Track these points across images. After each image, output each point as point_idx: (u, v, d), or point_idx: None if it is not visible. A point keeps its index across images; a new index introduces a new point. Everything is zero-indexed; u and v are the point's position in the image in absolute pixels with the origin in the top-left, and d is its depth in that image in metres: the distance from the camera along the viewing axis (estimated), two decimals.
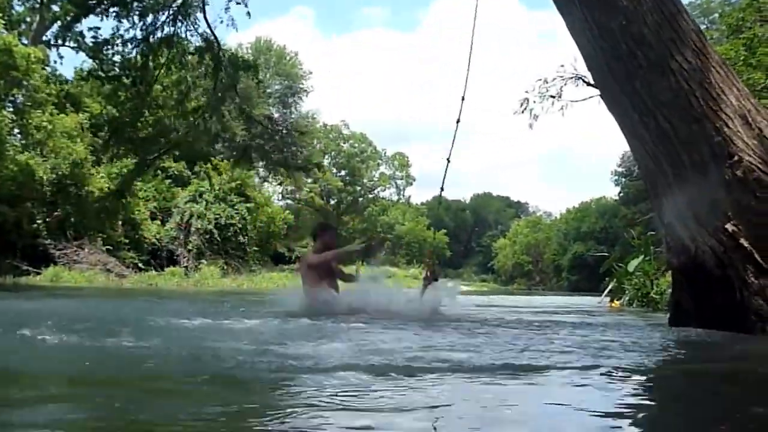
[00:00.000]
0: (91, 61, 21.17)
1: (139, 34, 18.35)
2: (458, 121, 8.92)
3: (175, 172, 34.90)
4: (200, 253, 31.71)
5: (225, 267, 31.39)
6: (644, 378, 4.16)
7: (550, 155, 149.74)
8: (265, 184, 53.49)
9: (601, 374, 3.93)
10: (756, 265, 6.76)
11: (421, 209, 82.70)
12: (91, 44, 19.73)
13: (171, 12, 18.05)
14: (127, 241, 29.13)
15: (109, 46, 19.17)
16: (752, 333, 6.64)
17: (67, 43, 21.90)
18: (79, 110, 28.92)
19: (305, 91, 53.83)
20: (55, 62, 26.06)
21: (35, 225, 25.16)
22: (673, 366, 4.91)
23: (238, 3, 19.10)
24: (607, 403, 3.28)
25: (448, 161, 8.88)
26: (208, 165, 35.04)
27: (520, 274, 79.37)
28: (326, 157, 62.63)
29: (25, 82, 23.88)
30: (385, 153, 69.13)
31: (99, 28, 19.46)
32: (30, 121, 24.54)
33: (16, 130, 24.92)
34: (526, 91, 13.50)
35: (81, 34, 19.80)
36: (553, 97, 12.94)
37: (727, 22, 17.56)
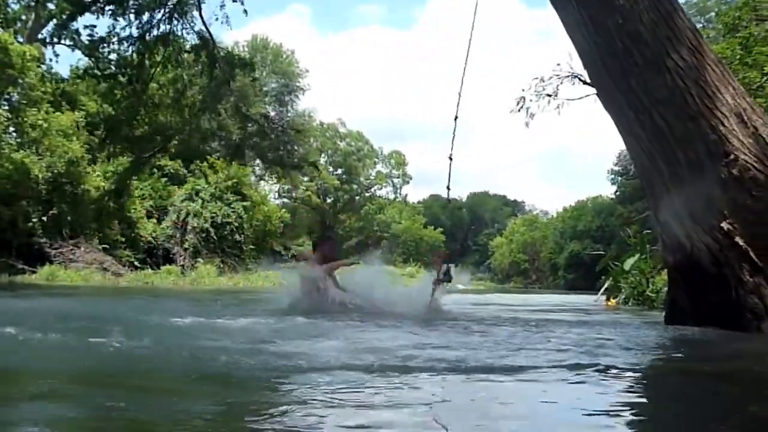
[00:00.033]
0: (86, 59, 21.16)
1: (134, 32, 18.33)
2: (456, 118, 8.91)
3: (172, 171, 34.81)
4: (196, 252, 31.63)
5: (221, 265, 31.32)
6: (640, 377, 4.16)
7: (547, 154, 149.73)
8: (262, 182, 53.46)
9: (597, 373, 3.93)
10: (751, 263, 6.77)
11: (417, 207, 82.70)
12: (86, 42, 19.71)
13: (167, 10, 18.01)
14: (123, 239, 29.03)
15: (105, 45, 19.14)
16: (747, 331, 6.65)
17: (62, 41, 21.87)
18: (74, 108, 28.82)
19: (301, 89, 53.76)
20: (51, 60, 26.02)
21: (31, 223, 25.08)
22: (668, 365, 4.92)
23: (234, 1, 19.08)
24: (602, 401, 3.28)
25: (451, 159, 8.86)
26: (204, 163, 34.98)
27: (516, 272, 79.43)
28: (323, 155, 62.54)
29: (20, 80, 23.80)
30: (381, 151, 69.14)
31: (95, 26, 19.44)
32: (25, 119, 24.46)
33: (12, 129, 24.84)
34: (523, 90, 13.50)
35: (77, 32, 19.78)
36: (550, 95, 12.93)
37: (723, 20, 17.58)
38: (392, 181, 71.71)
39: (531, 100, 13.22)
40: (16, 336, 4.43)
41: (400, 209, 74.73)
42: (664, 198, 7.50)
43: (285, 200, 58.34)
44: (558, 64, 12.49)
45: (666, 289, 8.84)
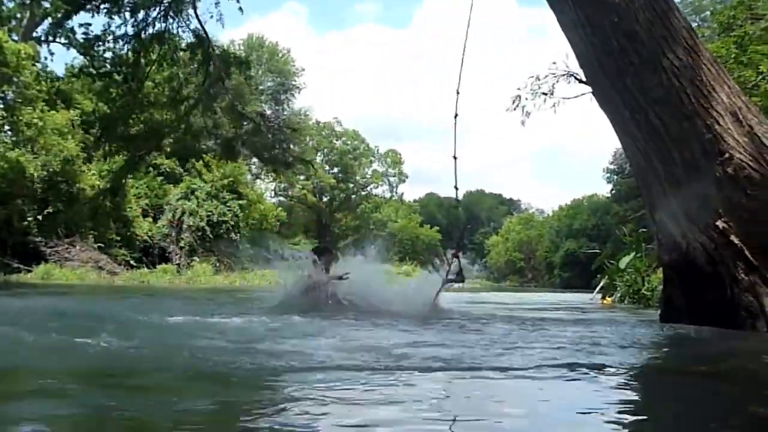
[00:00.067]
0: (82, 57, 21.10)
1: (130, 30, 18.29)
2: (456, 116, 8.87)
3: (167, 170, 34.75)
4: (192, 251, 31.61)
5: (217, 264, 31.31)
6: (636, 375, 4.17)
7: (543, 153, 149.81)
8: (258, 181, 53.40)
9: (593, 372, 3.94)
10: (746, 261, 6.79)
11: (413, 206, 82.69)
12: (82, 41, 19.65)
13: (162, 8, 17.96)
14: (118, 238, 28.98)
15: (101, 43, 19.10)
16: (742, 329, 6.68)
17: (57, 40, 21.78)
18: (70, 107, 28.75)
19: (297, 87, 53.73)
20: (46, 59, 26.05)
21: (26, 222, 25.02)
22: (664, 363, 4.93)
23: None
24: (598, 400, 3.28)
25: (455, 158, 8.82)
26: (200, 162, 34.94)
27: (512, 271, 79.53)
28: (319, 154, 62.46)
29: (15, 79, 23.74)
30: (377, 150, 69.11)
31: (90, 25, 19.41)
32: (20, 117, 24.40)
33: (7, 127, 24.79)
34: (518, 88, 13.50)
35: (72, 30, 19.71)
36: (545, 94, 12.94)
37: (719, 19, 17.61)
38: (388, 180, 71.71)
39: (527, 99, 13.23)
40: (12, 335, 4.42)
41: (396, 208, 74.75)
42: (659, 197, 7.51)
43: (281, 199, 58.30)
44: (554, 63, 12.49)
45: (661, 287, 8.86)
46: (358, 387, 3.23)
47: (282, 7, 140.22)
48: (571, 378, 3.72)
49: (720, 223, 6.89)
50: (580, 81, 8.84)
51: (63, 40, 21.30)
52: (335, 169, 64.36)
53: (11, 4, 25.69)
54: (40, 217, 25.30)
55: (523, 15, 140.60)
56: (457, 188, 9.07)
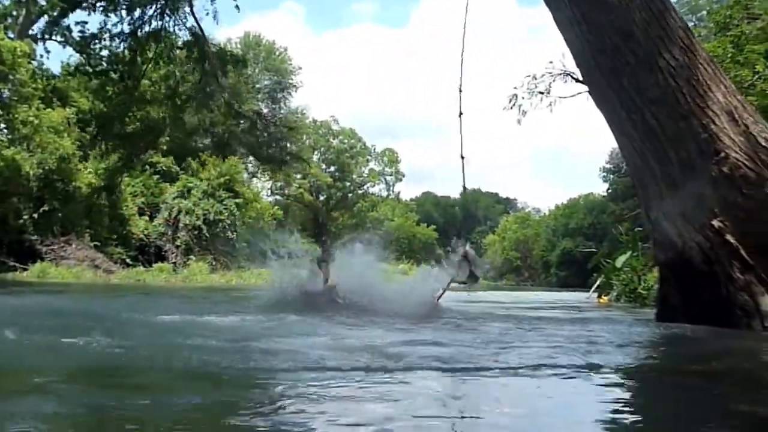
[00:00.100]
0: (78, 55, 21.06)
1: (126, 28, 18.24)
2: (461, 114, 8.82)
3: (164, 168, 34.69)
4: (188, 249, 31.57)
5: (213, 263, 31.28)
6: (632, 375, 4.17)
7: (545, 153, 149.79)
8: (254, 179, 53.31)
9: (589, 371, 3.94)
10: (742, 261, 6.81)
11: (410, 205, 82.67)
12: (78, 39, 19.62)
13: (158, 6, 17.92)
14: (114, 236, 28.94)
15: (97, 41, 19.05)
16: (738, 328, 6.69)
17: (53, 38, 21.77)
18: (66, 105, 28.70)
19: (294, 86, 53.62)
20: (42, 57, 25.84)
21: (22, 221, 24.97)
22: (660, 362, 4.93)
23: None
24: (594, 400, 3.28)
25: (463, 158, 8.77)
26: (196, 160, 34.91)
27: (508, 270, 79.53)
28: (315, 152, 62.38)
29: (11, 77, 23.68)
30: (374, 149, 69.07)
31: (86, 23, 19.37)
32: (16, 115, 24.34)
33: (2, 125, 24.75)
34: (515, 87, 13.55)
35: (68, 28, 19.68)
36: (542, 93, 12.98)
37: (715, 19, 17.65)
38: (385, 179, 71.62)
39: (523, 98, 13.28)
40: (6, 334, 4.41)
41: (392, 206, 74.72)
42: (655, 196, 7.52)
43: (278, 197, 58.21)
44: (550, 62, 12.55)
45: (657, 286, 8.88)
46: (353, 386, 3.23)
47: (279, 6, 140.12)
48: (568, 377, 3.73)
49: (716, 223, 6.90)
50: (577, 80, 8.88)
51: (59, 38, 21.29)
52: (332, 168, 64.29)
53: (7, 2, 25.61)
54: (35, 216, 25.25)
55: (523, 15, 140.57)
56: (465, 188, 9.03)
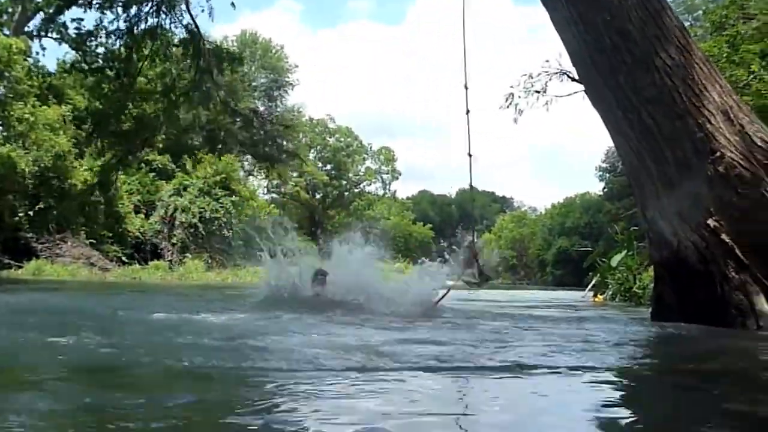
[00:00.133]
0: (74, 52, 20.96)
1: (122, 25, 18.17)
2: (468, 112, 8.79)
3: (159, 166, 34.62)
4: (184, 247, 31.51)
5: (209, 261, 31.23)
6: (627, 375, 4.17)
7: (542, 153, 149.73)
8: (251, 177, 53.23)
9: (584, 370, 3.95)
10: (737, 260, 6.83)
11: (406, 203, 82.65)
12: (74, 36, 19.54)
13: (154, 3, 17.86)
14: (110, 234, 28.87)
15: (93, 38, 18.97)
16: (733, 327, 6.72)
17: (49, 35, 21.69)
18: (61, 102, 28.61)
19: (291, 84, 53.48)
20: (38, 54, 25.77)
21: (17, 218, 24.90)
22: (655, 362, 4.94)
23: None
24: (589, 399, 3.28)
25: (470, 156, 8.74)
26: (192, 158, 34.85)
27: (504, 268, 79.67)
28: (312, 151, 62.30)
29: (6, 74, 23.59)
30: (370, 147, 69.02)
31: (82, 20, 19.28)
32: (12, 113, 24.25)
33: None
34: (511, 86, 13.55)
35: (64, 25, 19.60)
36: (538, 92, 12.99)
37: (711, 19, 17.69)
38: (381, 177, 71.59)
39: (520, 97, 13.29)
40: (1, 332, 4.40)
41: (389, 205, 74.70)
42: (651, 195, 7.54)
43: (274, 195, 58.14)
44: (547, 61, 12.55)
45: (652, 285, 8.91)
46: (347, 385, 3.23)
47: (275, 5, 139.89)
48: (564, 376, 3.73)
49: (711, 222, 6.92)
50: (573, 79, 8.88)
51: (55, 35, 21.20)
52: (328, 166, 64.20)
53: None
54: (31, 213, 25.18)
55: (522, 15, 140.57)
56: (472, 186, 8.99)
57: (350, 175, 65.91)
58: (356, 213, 65.96)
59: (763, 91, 13.09)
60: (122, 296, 11.51)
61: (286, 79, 53.28)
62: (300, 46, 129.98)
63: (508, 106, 13.43)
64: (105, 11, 18.18)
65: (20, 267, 23.62)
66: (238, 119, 41.38)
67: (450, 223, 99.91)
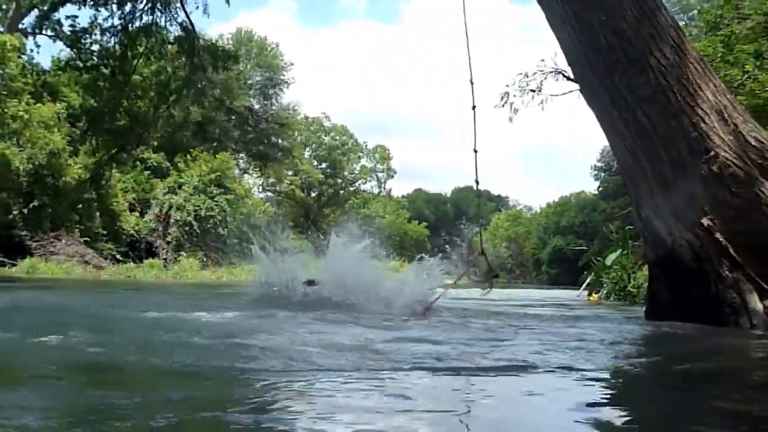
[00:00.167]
0: (68, 50, 20.89)
1: (117, 22, 18.11)
2: (474, 107, 8.76)
3: (154, 164, 34.58)
4: (179, 245, 31.47)
5: (204, 259, 31.20)
6: (621, 374, 4.18)
7: (536, 151, 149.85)
8: (246, 176, 53.18)
9: (578, 370, 3.95)
10: (731, 259, 6.85)
11: (401, 202, 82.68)
12: (68, 33, 19.44)
13: (149, 0, 17.81)
14: (105, 232, 28.82)
15: (87, 36, 18.90)
16: (726, 325, 6.74)
17: (44, 32, 21.55)
18: (56, 100, 28.54)
19: (286, 82, 53.44)
20: (32, 51, 25.65)
21: (11, 216, 24.82)
22: (649, 361, 4.94)
23: None
24: (582, 399, 3.28)
25: (476, 151, 8.71)
26: (187, 156, 34.80)
27: (499, 267, 79.77)
28: (307, 149, 62.31)
29: (0, 71, 23.51)
30: (366, 146, 69.06)
31: (77, 17, 19.19)
32: (6, 110, 24.17)
33: None
34: (507, 85, 13.57)
35: (58, 22, 19.50)
36: (533, 91, 13.00)
37: (706, 19, 17.73)
38: (376, 176, 71.67)
39: (515, 96, 13.30)
40: None
41: (384, 203, 74.70)
42: (646, 194, 7.56)
43: (269, 194, 58.08)
44: (542, 60, 12.57)
45: (647, 284, 8.93)
46: (340, 384, 3.22)
47: (270, 3, 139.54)
48: (557, 375, 3.73)
49: (705, 221, 6.95)
50: (569, 78, 8.88)
51: (49, 33, 21.08)
52: (323, 165, 64.20)
53: None
54: (25, 211, 25.11)
55: (518, 13, 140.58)
56: (477, 181, 8.97)
57: (345, 173, 65.93)
58: (351, 211, 65.99)
59: (757, 91, 13.13)
60: (115, 294, 11.49)
61: (282, 77, 53.25)
62: (295, 44, 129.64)
63: (503, 105, 13.46)
64: (100, 8, 18.12)
65: (14, 265, 23.55)
66: (233, 117, 41.29)
67: (445, 221, 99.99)
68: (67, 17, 19.21)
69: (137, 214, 32.01)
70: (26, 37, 24.50)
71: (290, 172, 57.46)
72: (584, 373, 3.85)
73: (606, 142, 8.36)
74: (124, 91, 19.59)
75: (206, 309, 7.07)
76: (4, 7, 26.65)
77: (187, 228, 31.90)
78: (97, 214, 28.51)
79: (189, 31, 18.29)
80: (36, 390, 2.88)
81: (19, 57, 24.63)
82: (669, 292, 7.51)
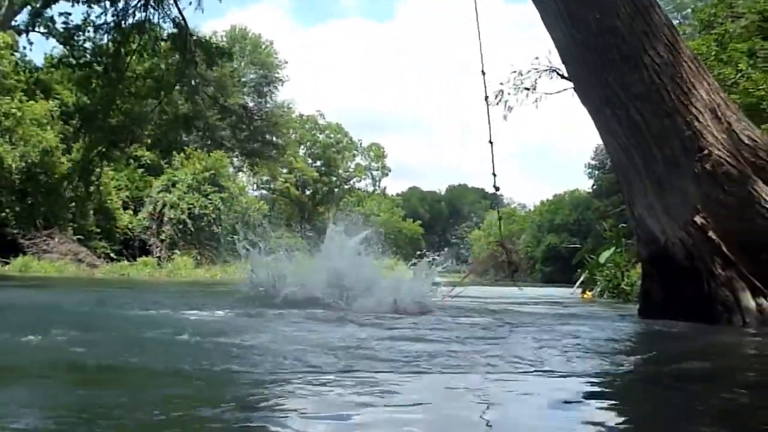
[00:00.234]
0: (61, 47, 20.80)
1: (110, 19, 18.03)
2: (486, 98, 8.71)
3: (148, 162, 34.48)
4: (173, 243, 31.42)
5: (198, 257, 31.15)
6: (614, 373, 4.17)
7: (530, 149, 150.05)
8: (240, 173, 53.07)
9: (570, 370, 3.95)
10: (723, 257, 6.87)
11: (396, 200, 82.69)
12: (61, 30, 19.35)
13: None
14: (98, 230, 28.75)
15: (80, 32, 18.81)
16: (718, 323, 6.76)
17: (36, 29, 21.44)
18: (49, 97, 28.42)
19: (280, 80, 53.32)
20: (25, 48, 25.57)
21: (4, 214, 24.72)
22: (642, 360, 4.93)
23: None
24: (576, 399, 3.28)
25: (491, 143, 8.68)
26: (181, 154, 34.73)
27: (494, 265, 79.77)
28: (302, 147, 62.26)
29: None
30: (360, 144, 69.07)
31: (70, 14, 19.09)
32: None
33: None
34: (501, 83, 13.55)
35: (51, 19, 19.40)
36: (528, 89, 13.00)
37: (699, 17, 17.78)
38: (371, 174, 71.69)
39: (509, 94, 13.29)
40: None
41: (378, 201, 74.72)
42: (639, 193, 7.57)
43: (263, 192, 58.02)
44: (536, 58, 12.57)
45: (640, 282, 8.94)
46: (330, 382, 3.21)
47: (265, 0, 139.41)
48: (549, 375, 3.72)
49: (698, 219, 6.96)
50: (563, 77, 8.88)
51: (42, 30, 20.97)
52: (318, 163, 64.15)
53: None
54: (18, 209, 25.00)
55: (518, 12, 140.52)
56: (495, 174, 8.95)
57: (340, 171, 65.92)
58: (346, 209, 65.92)
59: (750, 90, 13.17)
60: (108, 293, 11.44)
61: (276, 75, 53.12)
62: (290, 42, 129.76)
63: (497, 103, 13.43)
64: (92, 5, 18.03)
65: (7, 263, 23.45)
66: (227, 115, 41.19)
67: (440, 219, 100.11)
68: (60, 14, 19.11)
69: (131, 212, 31.93)
70: (19, 34, 24.33)
71: (285, 170, 57.39)
72: (578, 371, 3.85)
73: (600, 141, 8.37)
74: (117, 88, 19.51)
75: (196, 307, 7.03)
76: None
77: (181, 226, 31.84)
78: (91, 212, 28.41)
79: (182, 28, 18.22)
80: (22, 388, 2.86)
81: (12, 54, 24.54)
82: (662, 290, 7.53)
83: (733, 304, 6.77)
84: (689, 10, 27.89)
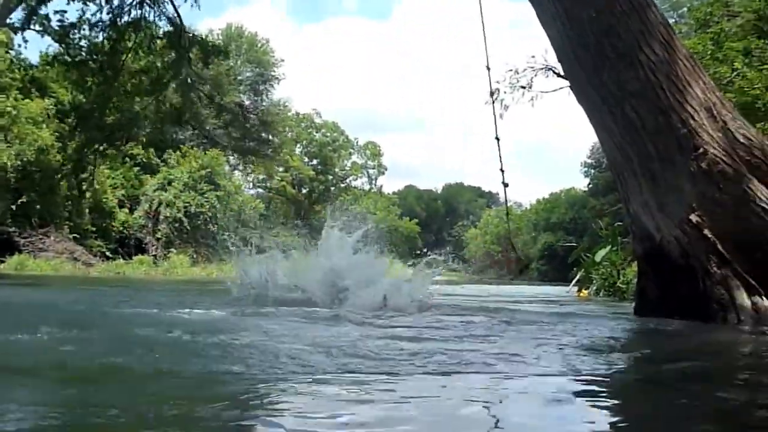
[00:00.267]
0: (57, 45, 20.75)
1: (105, 17, 18.01)
2: (492, 93, 8.69)
3: (144, 160, 34.43)
4: (169, 242, 31.40)
5: (195, 255, 31.12)
6: (609, 372, 4.16)
7: (526, 148, 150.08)
8: (236, 172, 53.00)
9: (567, 367, 3.94)
10: (719, 255, 6.88)
11: (392, 198, 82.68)
12: (57, 28, 19.31)
13: None
14: (94, 229, 28.70)
15: (76, 30, 18.78)
16: (714, 321, 6.77)
17: (32, 27, 21.38)
18: (44, 96, 28.34)
19: (277, 78, 53.26)
20: (20, 46, 25.43)
21: None
22: (638, 358, 4.94)
23: None
24: (571, 398, 3.28)
25: (498, 139, 8.67)
26: (177, 152, 34.68)
27: (490, 263, 79.79)
28: (298, 146, 62.18)
29: None
30: (357, 142, 69.03)
31: (65, 12, 19.07)
32: None
33: None
34: (497, 82, 13.53)
35: (47, 17, 19.37)
36: (524, 87, 12.99)
37: (696, 16, 17.80)
38: (367, 172, 71.64)
39: (505, 92, 13.27)
40: None
41: (375, 200, 74.69)
42: (635, 191, 7.57)
43: (260, 190, 57.95)
44: (532, 56, 12.57)
45: (636, 280, 8.95)
46: (325, 382, 3.20)
47: None
48: (545, 374, 3.72)
49: (694, 217, 6.97)
50: (559, 75, 8.88)
51: (37, 28, 20.92)
52: (314, 161, 64.07)
53: None
54: (13, 207, 24.93)
55: (514, 10, 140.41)
56: (503, 170, 8.95)
57: (336, 169, 65.86)
58: (342, 207, 65.85)
59: (745, 88, 13.19)
60: (103, 291, 11.41)
61: (272, 74, 53.05)
62: (286, 40, 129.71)
63: (493, 102, 13.41)
64: (88, 3, 18.02)
65: (2, 262, 23.41)
66: (223, 113, 41.11)
67: (436, 218, 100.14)
68: (56, 12, 19.11)
69: (127, 210, 31.87)
70: (14, 32, 24.28)
71: (281, 169, 57.31)
72: (573, 370, 3.85)
73: (596, 139, 8.38)
74: (113, 86, 19.48)
75: (190, 305, 7.00)
76: None
77: (177, 224, 31.81)
78: (87, 210, 28.35)
79: (177, 26, 18.19)
80: (15, 388, 2.84)
81: (7, 52, 24.46)
82: (657, 288, 7.54)
83: (728, 303, 6.78)
84: (685, 9, 27.90)
